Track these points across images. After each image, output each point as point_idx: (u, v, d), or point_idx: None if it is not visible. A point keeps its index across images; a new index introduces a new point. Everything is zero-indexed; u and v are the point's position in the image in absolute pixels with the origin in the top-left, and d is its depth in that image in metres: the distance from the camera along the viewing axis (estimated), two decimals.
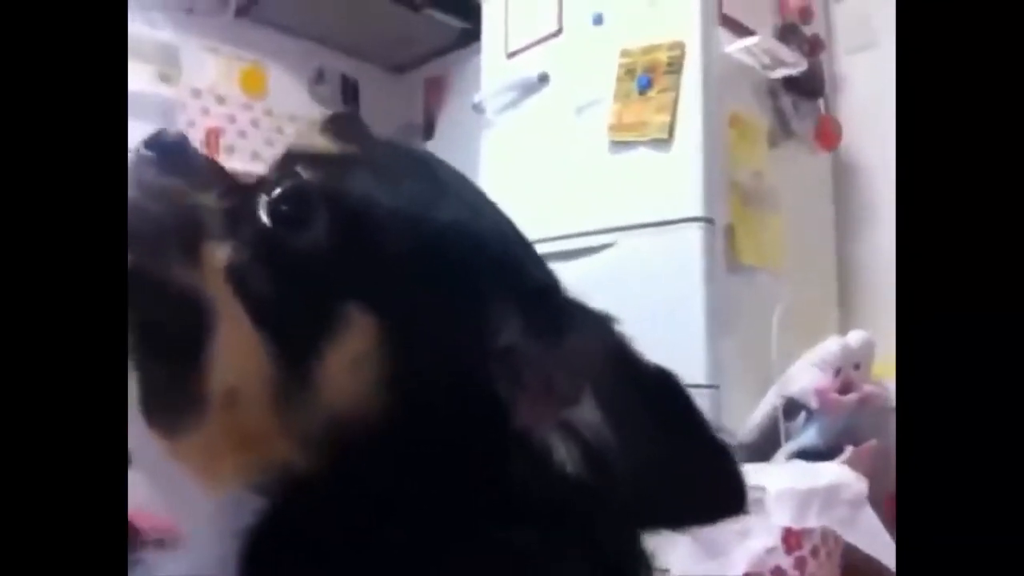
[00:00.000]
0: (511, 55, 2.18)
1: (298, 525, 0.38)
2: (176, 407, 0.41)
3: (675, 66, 1.77)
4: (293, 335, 0.40)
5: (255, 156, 3.01)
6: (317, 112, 3.23)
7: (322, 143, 0.45)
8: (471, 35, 2.72)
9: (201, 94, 2.93)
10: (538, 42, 2.10)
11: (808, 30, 2.04)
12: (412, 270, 0.40)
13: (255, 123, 3.09)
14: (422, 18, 2.92)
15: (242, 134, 3.04)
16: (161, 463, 0.42)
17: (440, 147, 3.23)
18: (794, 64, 1.89)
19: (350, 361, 0.39)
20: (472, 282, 0.41)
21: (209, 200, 0.44)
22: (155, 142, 0.46)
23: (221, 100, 2.99)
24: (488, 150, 2.21)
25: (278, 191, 0.42)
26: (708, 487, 0.39)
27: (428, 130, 3.31)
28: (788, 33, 1.96)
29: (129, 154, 0.45)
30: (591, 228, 1.84)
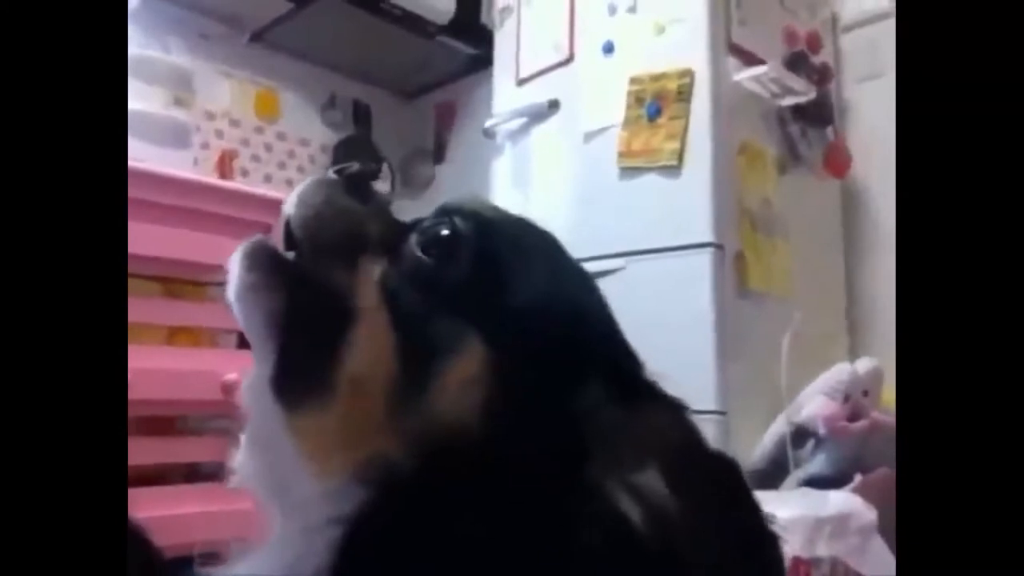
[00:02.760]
0: (521, 82, 2.20)
1: (394, 521, 0.43)
2: (306, 385, 0.47)
3: (684, 94, 1.78)
4: (421, 345, 0.46)
5: (268, 178, 3.04)
6: (329, 136, 3.26)
7: (475, 202, 0.54)
8: (482, 61, 2.74)
9: (215, 117, 2.96)
10: (549, 69, 2.12)
11: (817, 59, 2.05)
12: (528, 322, 0.47)
13: (268, 147, 3.12)
14: (434, 45, 2.95)
15: (255, 157, 3.07)
16: (278, 439, 0.48)
17: (451, 172, 3.25)
18: (803, 92, 1.90)
19: (463, 380, 0.45)
20: (573, 345, 0.48)
21: (374, 226, 0.54)
22: (343, 172, 0.56)
23: (235, 123, 3.02)
24: (499, 176, 2.23)
25: (436, 231, 0.51)
26: (753, 572, 0.42)
27: (439, 155, 3.34)
28: (797, 62, 1.97)
29: (320, 177, 0.56)
30: (600, 253, 1.84)
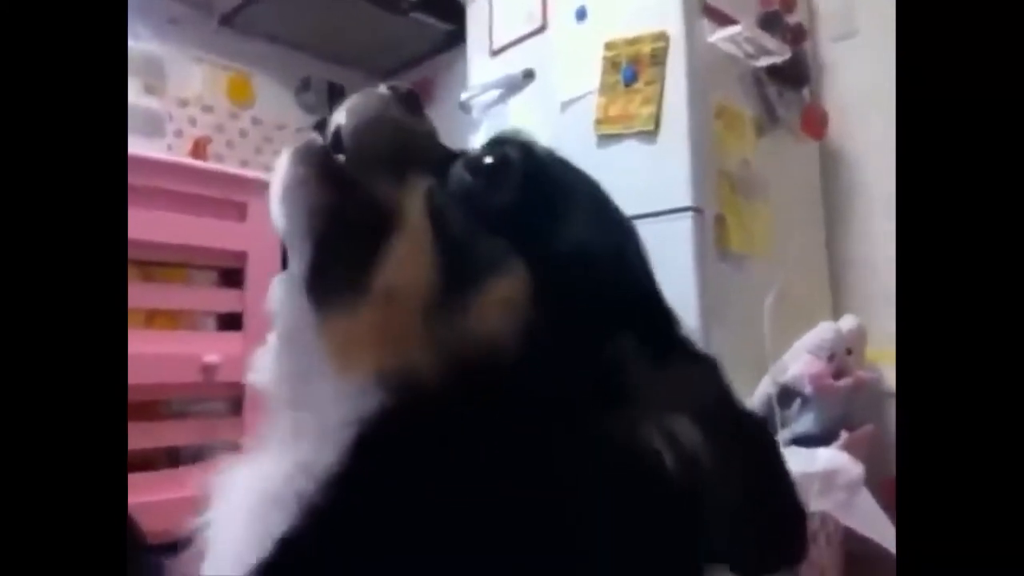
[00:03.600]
0: (495, 53, 2.18)
1: (414, 427, 0.43)
2: (341, 287, 0.47)
3: (659, 57, 1.77)
4: (463, 263, 0.46)
5: (244, 164, 3.00)
6: (305, 120, 3.23)
7: (525, 136, 0.55)
8: (456, 37, 2.72)
9: (188, 104, 2.93)
10: (522, 39, 2.10)
11: (791, 19, 2.04)
12: (571, 255, 0.48)
13: (243, 132, 3.09)
14: (407, 22, 2.92)
15: (230, 144, 3.04)
16: (304, 337, 0.48)
17: None
18: (778, 53, 1.89)
19: (502, 300, 0.45)
20: (614, 288, 0.48)
21: (423, 143, 0.54)
22: (394, 87, 0.55)
23: (208, 110, 2.99)
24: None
25: (487, 156, 0.51)
26: (774, 534, 0.42)
27: None
28: (771, 22, 1.96)
29: (372, 91, 0.55)
30: None
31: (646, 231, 1.86)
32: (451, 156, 0.53)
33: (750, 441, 0.43)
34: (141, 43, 2.77)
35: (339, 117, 0.53)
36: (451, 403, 0.43)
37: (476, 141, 2.19)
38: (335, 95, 3.33)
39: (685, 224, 1.68)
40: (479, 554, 0.40)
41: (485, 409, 0.43)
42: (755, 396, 1.68)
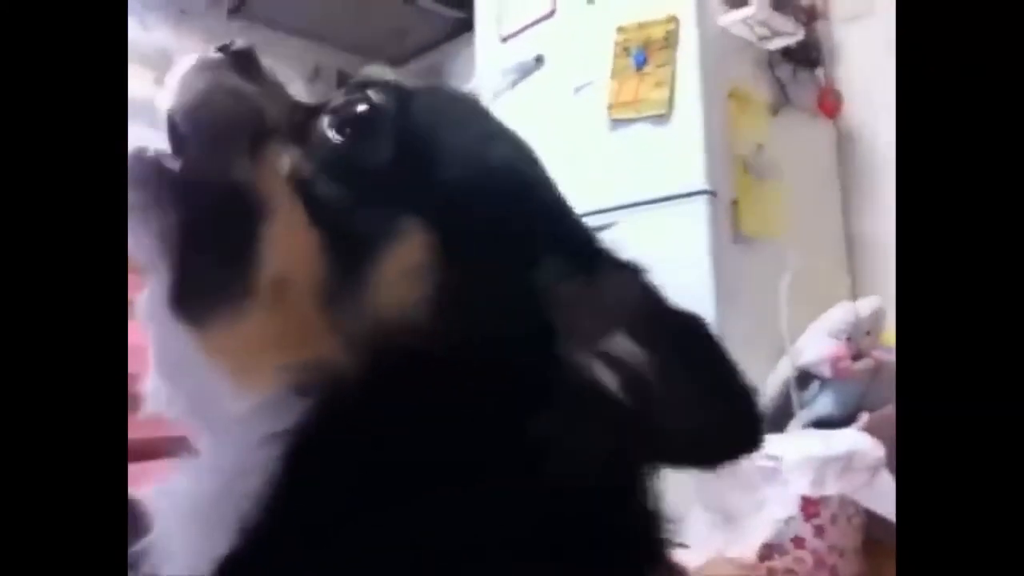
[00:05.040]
0: (505, 39, 2.17)
1: (341, 426, 0.39)
2: (215, 296, 0.42)
3: (671, 40, 1.75)
4: (350, 238, 0.42)
5: None
6: None
7: (392, 74, 0.48)
8: (465, 24, 2.70)
9: None
10: (532, 24, 2.09)
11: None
12: (469, 197, 0.43)
13: None
14: (416, 9, 2.92)
15: None
16: (189, 361, 0.43)
17: None
18: (791, 34, 1.87)
19: (403, 270, 0.41)
20: (522, 217, 0.44)
21: (273, 108, 0.47)
22: (226, 48, 0.49)
23: None
24: None
25: (351, 108, 0.45)
26: (725, 424, 0.40)
27: None
28: (783, 3, 1.94)
29: (200, 57, 0.48)
30: (594, 208, 1.83)
31: (660, 215, 1.84)
32: (310, 113, 0.46)
33: (686, 338, 0.40)
34: (151, 33, 2.78)
35: (166, 98, 0.46)
36: (376, 390, 0.39)
37: None
38: (345, 84, 3.32)
39: (700, 207, 1.68)
40: (432, 532, 0.38)
41: (414, 388, 0.39)
42: (772, 379, 1.67)
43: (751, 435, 0.40)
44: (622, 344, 0.39)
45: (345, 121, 0.45)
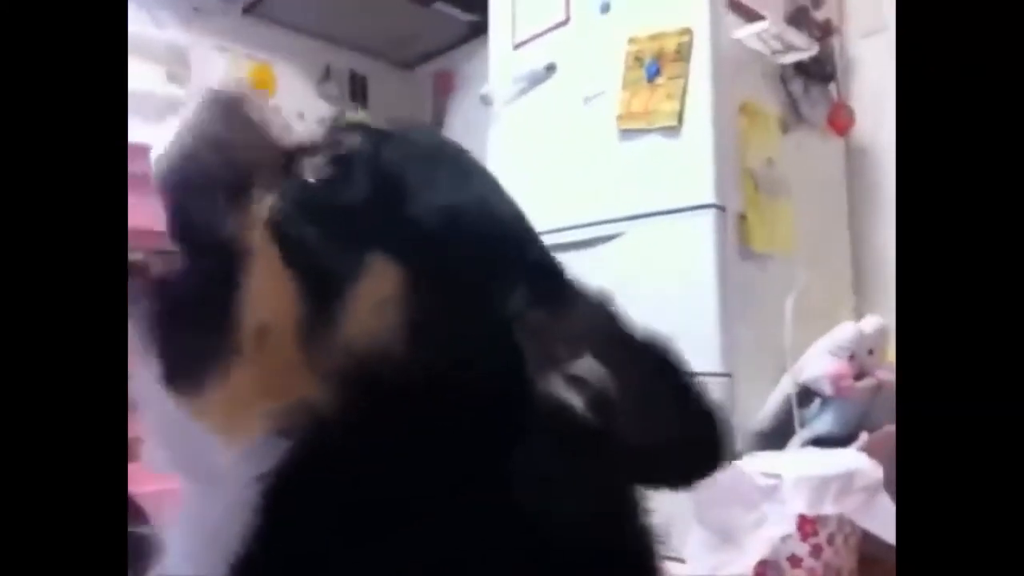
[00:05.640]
0: (518, 46, 2.17)
1: (321, 464, 0.41)
2: (204, 364, 0.44)
3: (684, 53, 1.75)
4: (321, 276, 0.43)
5: None
6: (325, 109, 3.23)
7: (364, 118, 0.51)
8: (479, 28, 2.71)
9: None
10: (545, 32, 2.08)
11: (819, 14, 2.02)
12: (436, 232, 0.45)
13: None
14: (430, 12, 2.92)
15: None
16: (182, 426, 0.44)
17: None
18: (804, 49, 1.87)
19: (373, 304, 0.43)
20: (488, 251, 0.46)
21: (258, 156, 0.48)
22: (214, 98, 0.50)
23: None
24: (496, 141, 2.20)
25: (327, 151, 0.47)
26: (687, 445, 0.41)
27: (436, 125, 3.31)
28: (798, 17, 1.94)
29: (192, 109, 0.49)
30: (602, 218, 1.83)
31: (667, 227, 1.84)
32: (291, 156, 0.48)
33: (651, 362, 0.41)
34: (165, 32, 2.79)
35: (156, 150, 0.48)
36: (352, 425, 0.41)
37: (497, 134, 2.18)
38: (356, 84, 3.33)
39: (707, 221, 1.67)
40: (413, 565, 0.39)
41: (390, 421, 0.41)
42: (774, 396, 1.66)
43: (712, 456, 0.41)
44: (588, 365, 0.41)
45: (322, 162, 0.47)
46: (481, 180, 0.50)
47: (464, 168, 0.50)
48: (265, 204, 0.46)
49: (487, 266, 0.44)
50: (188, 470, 0.46)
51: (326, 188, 0.46)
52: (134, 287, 0.46)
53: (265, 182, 0.47)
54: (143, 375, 0.46)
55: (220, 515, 0.41)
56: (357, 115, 0.52)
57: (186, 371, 0.44)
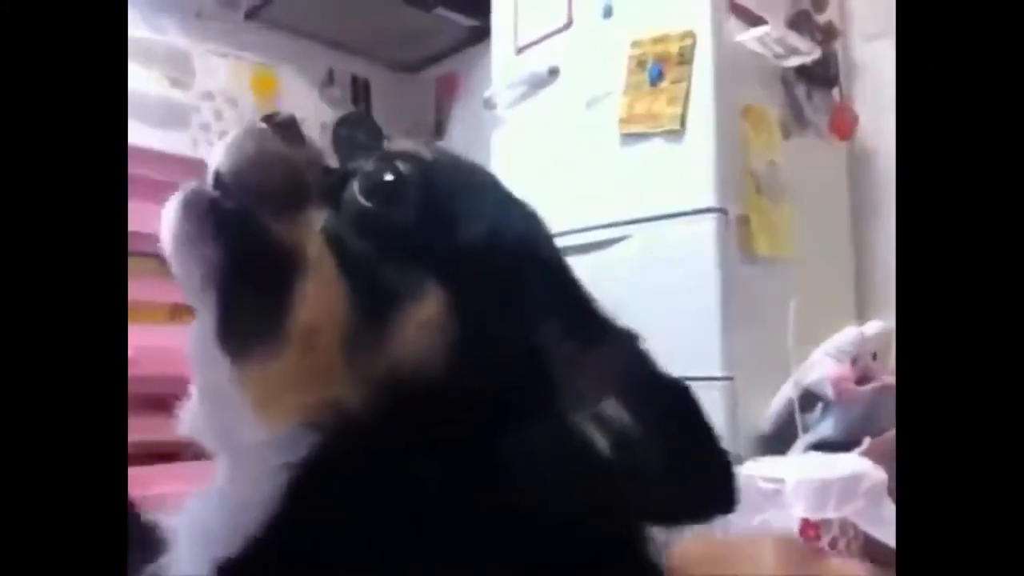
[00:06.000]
0: (521, 50, 2.17)
1: (347, 462, 0.43)
2: (255, 335, 0.46)
3: (686, 56, 1.75)
4: (374, 291, 0.46)
5: None
6: (328, 114, 3.24)
7: (411, 145, 0.54)
8: (482, 33, 2.71)
9: (214, 97, 2.94)
10: (548, 36, 2.09)
11: (822, 17, 2.02)
12: (481, 260, 0.48)
13: None
14: (432, 17, 2.92)
15: None
16: (224, 390, 0.47)
17: (451, 146, 3.22)
18: (807, 53, 1.86)
19: (419, 322, 0.45)
20: (529, 281, 0.48)
21: (311, 173, 0.52)
22: (269, 118, 0.54)
23: (233, 103, 3.00)
24: (499, 145, 2.20)
25: (379, 176, 0.50)
26: (704, 488, 0.44)
27: (439, 129, 3.31)
28: (801, 21, 1.94)
29: (248, 126, 0.53)
30: (604, 221, 1.83)
31: (670, 231, 1.84)
32: (343, 179, 0.52)
33: (673, 405, 0.44)
34: (168, 37, 2.79)
35: (216, 158, 0.52)
36: (383, 434, 0.43)
37: (500, 137, 2.19)
38: (359, 89, 3.33)
39: (709, 225, 1.67)
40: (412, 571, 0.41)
41: (419, 433, 0.43)
42: (776, 400, 1.66)
43: (725, 503, 0.44)
44: (613, 408, 0.43)
45: (374, 187, 0.50)
46: (520, 212, 0.53)
47: (503, 198, 0.53)
48: (319, 216, 0.49)
49: (524, 299, 0.47)
50: (219, 438, 0.49)
51: (379, 210, 0.49)
52: (202, 223, 0.49)
53: (318, 196, 0.50)
54: (197, 327, 0.50)
55: (244, 493, 0.43)
56: (404, 142, 0.55)
57: (238, 336, 0.47)
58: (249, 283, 0.48)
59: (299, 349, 0.45)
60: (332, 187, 0.51)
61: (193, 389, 0.52)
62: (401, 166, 0.50)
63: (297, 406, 0.44)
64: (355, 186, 0.50)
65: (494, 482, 0.42)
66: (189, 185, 0.51)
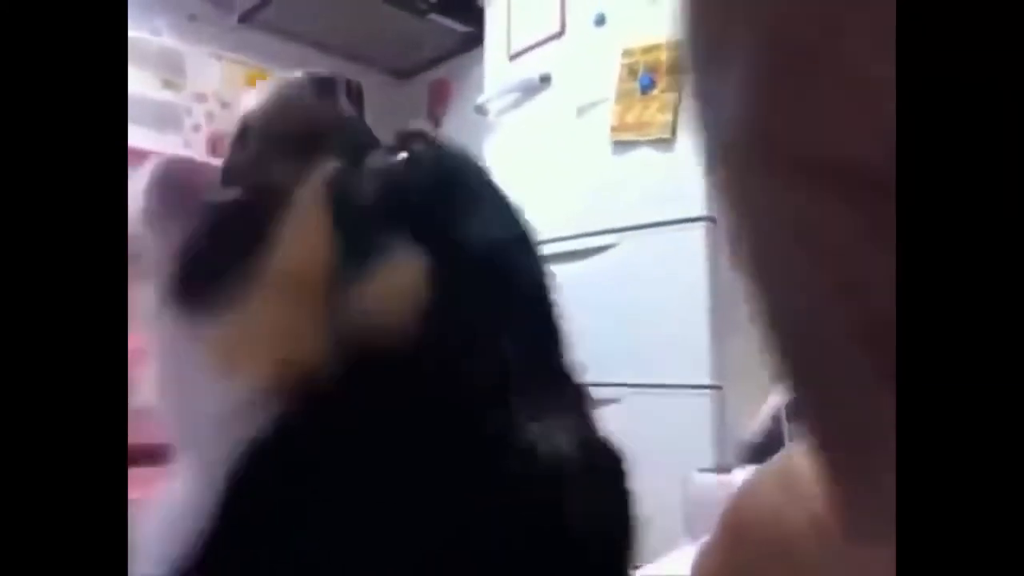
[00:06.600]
0: (513, 57, 2.18)
1: (312, 432, 0.42)
2: (221, 283, 0.44)
3: (678, 65, 1.76)
4: (362, 247, 0.45)
5: None
6: None
7: (425, 127, 0.54)
8: (474, 39, 2.72)
9: (206, 99, 2.94)
10: (540, 43, 2.09)
11: None
12: (471, 248, 0.47)
13: None
14: (426, 23, 2.92)
15: None
16: (181, 347, 0.45)
17: None
18: None
19: (396, 285, 0.44)
20: (510, 283, 0.48)
21: (336, 130, 0.52)
22: (310, 74, 0.55)
23: (226, 105, 3.00)
24: (490, 152, 2.21)
25: (396, 150, 0.50)
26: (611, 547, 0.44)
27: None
28: None
29: (289, 76, 0.54)
30: (594, 229, 1.83)
31: (660, 239, 1.84)
32: (369, 145, 0.52)
33: (604, 463, 0.44)
34: (161, 39, 2.79)
35: (249, 101, 0.52)
36: (349, 401, 0.42)
37: (491, 144, 2.19)
38: (351, 94, 3.33)
39: (699, 233, 1.67)
40: (377, 552, 0.40)
41: (383, 405, 0.42)
42: (765, 408, 1.67)
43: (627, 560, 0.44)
44: (556, 430, 0.43)
45: (387, 156, 0.50)
46: (519, 234, 0.53)
47: (510, 219, 0.53)
48: (328, 167, 0.48)
49: (499, 302, 0.47)
50: (175, 407, 0.47)
51: (391, 177, 0.49)
52: (176, 194, 0.48)
53: (338, 152, 0.50)
54: (151, 285, 0.47)
55: (202, 474, 0.42)
56: (419, 123, 0.55)
57: (200, 285, 0.45)
58: (221, 230, 0.46)
59: (268, 296, 0.44)
60: (356, 147, 0.51)
61: (149, 357, 0.48)
62: (422, 146, 0.51)
63: (262, 368, 0.42)
64: (376, 155, 0.51)
65: (447, 469, 0.41)
66: (164, 157, 0.50)
